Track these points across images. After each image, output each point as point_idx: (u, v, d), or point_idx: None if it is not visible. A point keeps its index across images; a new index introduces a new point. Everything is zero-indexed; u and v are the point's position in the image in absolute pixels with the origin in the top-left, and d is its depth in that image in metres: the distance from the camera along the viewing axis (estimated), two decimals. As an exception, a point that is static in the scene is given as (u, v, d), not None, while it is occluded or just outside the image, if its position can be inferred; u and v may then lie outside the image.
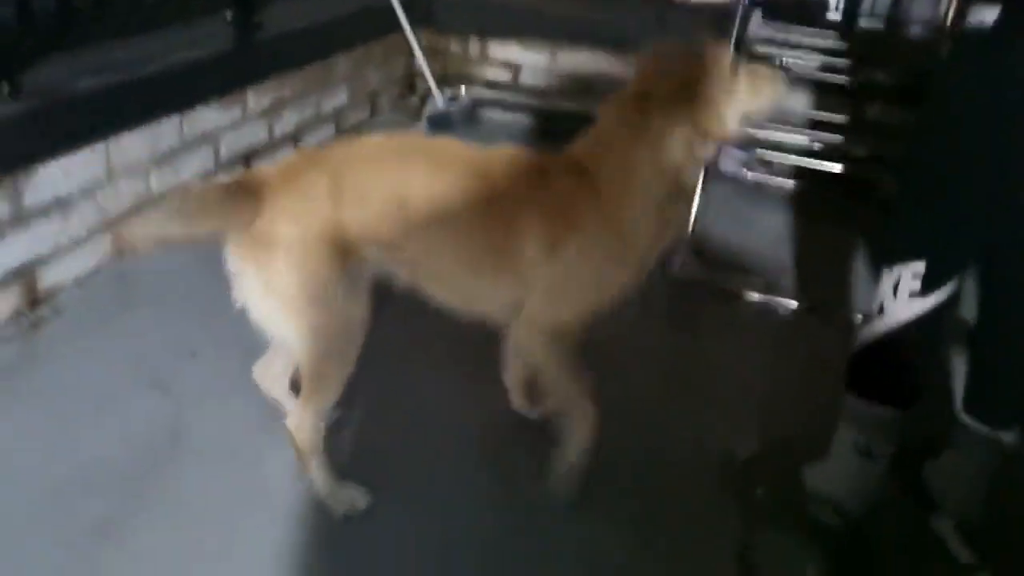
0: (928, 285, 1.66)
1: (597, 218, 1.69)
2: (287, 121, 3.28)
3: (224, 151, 2.98)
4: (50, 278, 2.39)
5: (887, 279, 1.72)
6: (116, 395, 2.09)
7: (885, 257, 1.74)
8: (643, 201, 1.69)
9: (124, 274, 2.58)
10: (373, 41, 3.71)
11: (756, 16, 3.29)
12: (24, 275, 2.31)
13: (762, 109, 1.74)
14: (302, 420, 1.78)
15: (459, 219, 1.70)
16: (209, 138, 2.90)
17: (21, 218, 2.25)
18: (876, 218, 3.29)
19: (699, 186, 1.85)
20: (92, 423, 1.99)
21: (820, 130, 3.69)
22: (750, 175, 3.86)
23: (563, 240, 1.69)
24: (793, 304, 2.82)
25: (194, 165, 2.86)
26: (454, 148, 1.79)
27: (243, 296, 1.71)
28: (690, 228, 2.97)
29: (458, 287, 1.81)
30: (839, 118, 3.64)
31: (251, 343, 2.01)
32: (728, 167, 3.83)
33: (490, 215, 1.71)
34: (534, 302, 1.75)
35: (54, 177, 2.32)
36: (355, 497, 1.85)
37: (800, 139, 3.77)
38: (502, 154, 1.77)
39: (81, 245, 2.47)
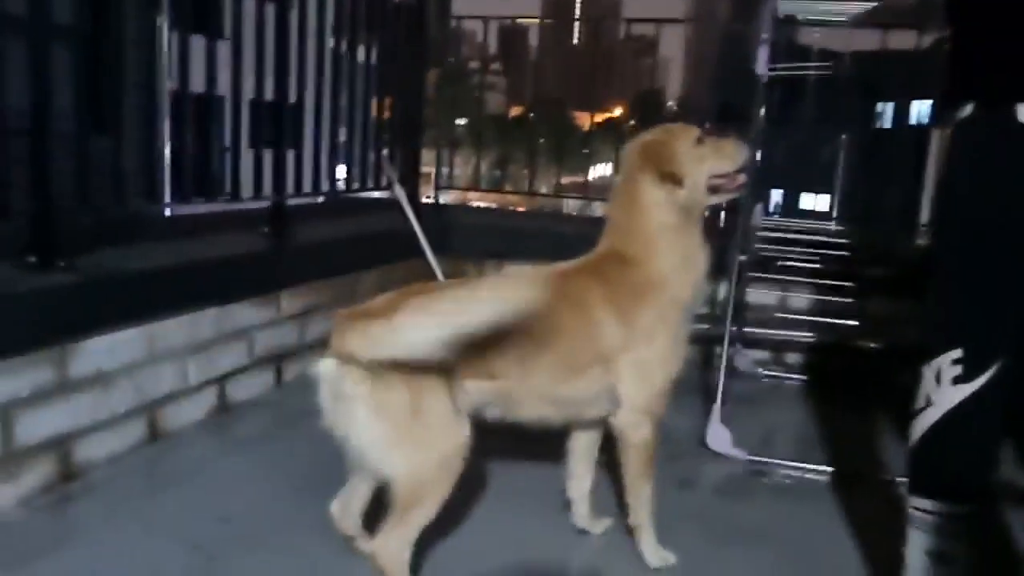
0: (970, 369, 1.68)
1: (647, 284, 2.00)
2: (317, 327, 3.40)
3: (258, 348, 3.07)
4: (84, 452, 2.37)
5: (928, 373, 1.74)
6: (149, 559, 2.00)
7: (924, 354, 1.77)
8: (669, 253, 2.01)
9: (157, 456, 2.56)
10: (398, 262, 3.93)
11: (758, 209, 3.54)
12: (60, 446, 2.29)
13: (727, 169, 2.05)
14: (390, 543, 1.76)
15: (546, 334, 1.90)
16: (244, 334, 3.00)
17: (64, 388, 2.28)
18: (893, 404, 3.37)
19: (705, 254, 2.09)
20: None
21: (825, 326, 3.83)
22: (765, 374, 3.95)
23: (633, 313, 1.97)
24: (828, 472, 2.79)
25: (229, 359, 2.93)
26: (519, 277, 1.97)
27: (345, 422, 1.75)
28: (719, 401, 2.99)
29: (553, 396, 1.98)
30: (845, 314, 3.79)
31: (283, 511, 2.19)
32: (744, 366, 3.92)
33: (570, 321, 1.95)
34: (630, 386, 2.00)
35: (99, 352, 2.39)
36: None
37: (809, 336, 3.91)
38: (559, 269, 2.05)
39: (118, 423, 2.48)
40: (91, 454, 2.40)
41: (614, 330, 1.96)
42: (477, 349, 1.82)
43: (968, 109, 1.67)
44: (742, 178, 2.10)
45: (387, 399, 1.72)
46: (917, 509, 1.77)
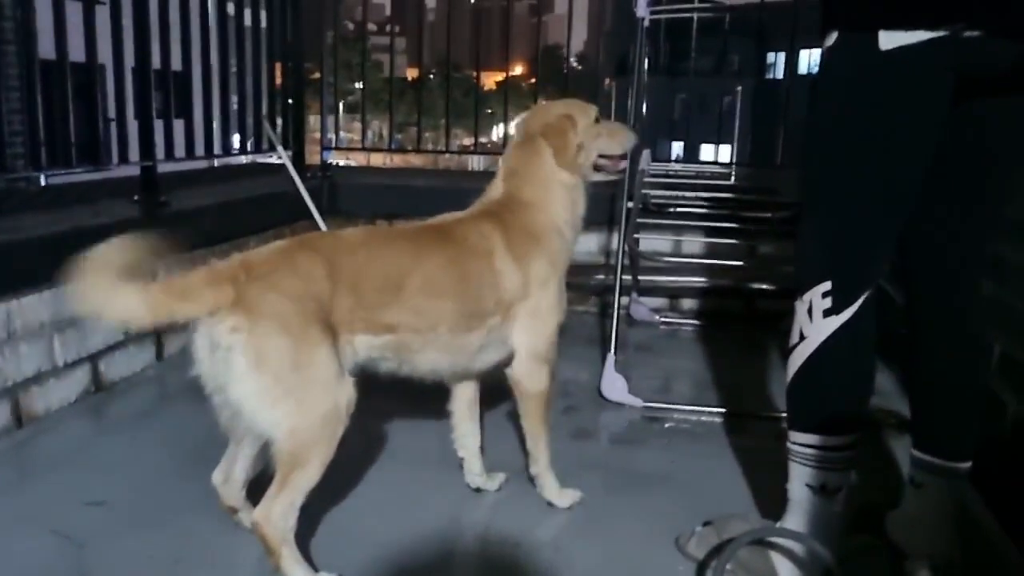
0: (839, 301, 1.69)
1: (543, 229, 2.06)
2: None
3: (133, 322, 2.90)
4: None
5: (800, 308, 1.75)
6: (12, 554, 1.86)
7: (796, 289, 1.78)
8: (561, 201, 2.10)
9: (24, 443, 2.40)
10: (285, 226, 3.80)
11: (646, 155, 3.54)
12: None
13: (615, 152, 2.18)
14: (273, 510, 1.67)
15: (446, 282, 1.91)
16: (117, 308, 2.83)
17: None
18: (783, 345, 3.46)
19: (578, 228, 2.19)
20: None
21: (718, 270, 3.88)
22: (661, 320, 3.98)
23: (530, 256, 2.01)
24: (721, 413, 2.83)
25: (102, 334, 2.76)
26: (420, 226, 2.03)
27: (221, 373, 1.65)
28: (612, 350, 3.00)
29: (452, 347, 1.95)
30: (734, 257, 3.84)
31: (162, 492, 2.11)
32: (640, 314, 3.95)
33: (470, 270, 1.95)
34: (525, 334, 2.02)
35: (-51, 335, 2.21)
36: None
37: (703, 281, 3.97)
38: (456, 217, 2.07)
39: (-23, 410, 2.31)
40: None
41: (513, 276, 1.99)
42: (372, 303, 1.80)
43: (833, 38, 1.66)
44: (624, 163, 2.23)
45: (267, 349, 1.63)
46: (797, 444, 1.78)
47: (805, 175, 1.80)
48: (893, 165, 1.63)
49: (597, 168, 2.17)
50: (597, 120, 2.17)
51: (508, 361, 2.06)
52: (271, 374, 1.64)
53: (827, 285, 1.69)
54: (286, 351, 1.65)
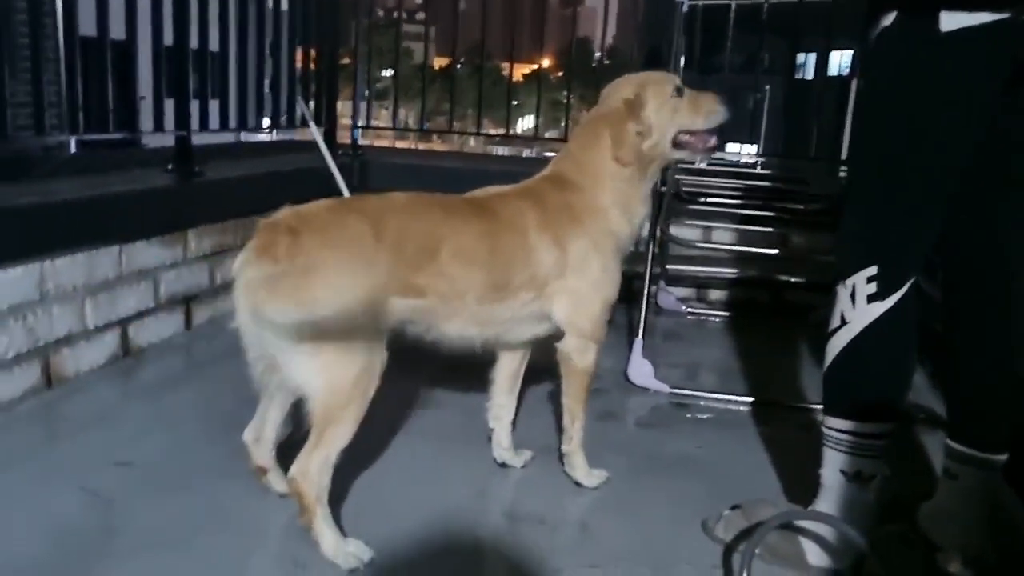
0: (885, 286, 1.67)
1: (585, 210, 2.01)
2: (229, 268, 3.25)
3: (164, 289, 2.92)
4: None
5: (843, 292, 1.73)
6: (44, 508, 1.87)
7: (838, 274, 1.75)
8: (612, 192, 2.02)
9: (53, 402, 2.42)
10: (313, 200, 3.79)
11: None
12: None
13: (698, 126, 2.05)
14: (309, 467, 1.69)
15: (476, 253, 1.90)
16: (148, 275, 2.85)
17: (-54, 331, 2.13)
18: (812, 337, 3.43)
19: (648, 204, 2.13)
20: (12, 524, 1.79)
21: (748, 259, 3.85)
22: (687, 310, 3.96)
23: (568, 236, 1.97)
24: (748, 401, 2.81)
25: (132, 300, 2.78)
26: (461, 197, 2.02)
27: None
28: (640, 335, 2.98)
29: (479, 316, 1.95)
30: (767, 249, 3.81)
31: (189, 456, 2.13)
32: (667, 303, 3.92)
33: (506, 241, 1.94)
34: (572, 312, 2.02)
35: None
36: (360, 551, 1.73)
37: (731, 271, 3.94)
38: (498, 191, 2.06)
39: (8, 368, 2.32)
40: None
41: (548, 254, 1.96)
42: (408, 266, 1.81)
43: (891, 18, 1.63)
44: (713, 141, 2.08)
45: (317, 301, 1.63)
46: (832, 429, 1.76)
47: (852, 157, 1.78)
48: (945, 148, 1.61)
49: (679, 145, 2.05)
50: (679, 92, 2.04)
51: (559, 336, 2.06)
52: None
53: (872, 270, 1.67)
54: (333, 305, 1.65)
